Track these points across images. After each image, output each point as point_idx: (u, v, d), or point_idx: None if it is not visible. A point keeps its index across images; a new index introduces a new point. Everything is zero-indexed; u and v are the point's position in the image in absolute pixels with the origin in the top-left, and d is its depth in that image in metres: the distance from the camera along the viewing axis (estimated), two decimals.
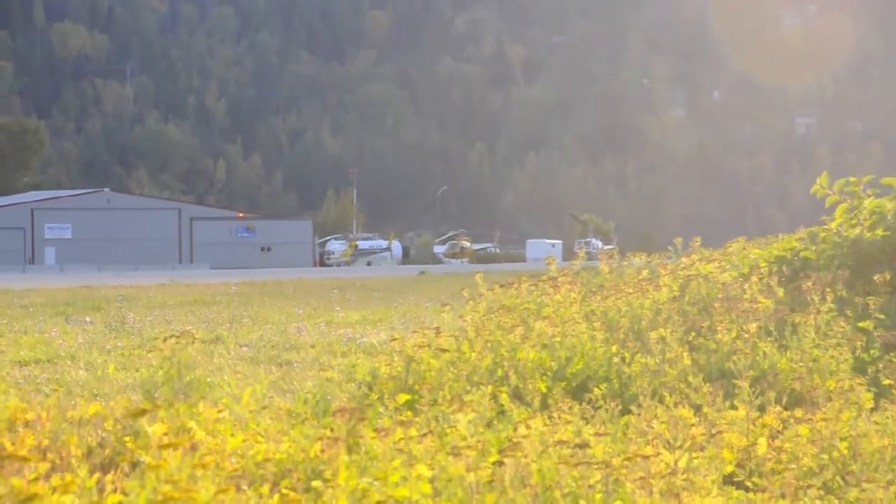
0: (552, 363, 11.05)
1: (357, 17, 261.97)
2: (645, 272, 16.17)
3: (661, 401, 8.77)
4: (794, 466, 7.50)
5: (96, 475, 5.88)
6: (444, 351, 10.81)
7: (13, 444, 8.00)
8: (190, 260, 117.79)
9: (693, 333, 11.78)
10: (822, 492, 6.97)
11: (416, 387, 9.84)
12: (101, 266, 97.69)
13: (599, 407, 8.64)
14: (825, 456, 7.85)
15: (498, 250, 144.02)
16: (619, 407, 8.53)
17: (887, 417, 8.35)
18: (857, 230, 14.14)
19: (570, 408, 8.53)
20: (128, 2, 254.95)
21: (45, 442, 8.25)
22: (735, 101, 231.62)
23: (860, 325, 11.73)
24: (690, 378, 9.77)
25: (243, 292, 41.79)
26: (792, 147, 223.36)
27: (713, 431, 7.68)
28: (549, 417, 7.84)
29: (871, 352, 11.22)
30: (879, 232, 13.86)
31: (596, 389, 9.60)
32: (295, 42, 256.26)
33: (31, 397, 11.46)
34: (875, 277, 12.73)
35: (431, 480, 6.10)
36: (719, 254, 17.71)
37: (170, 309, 31.28)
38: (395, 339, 11.46)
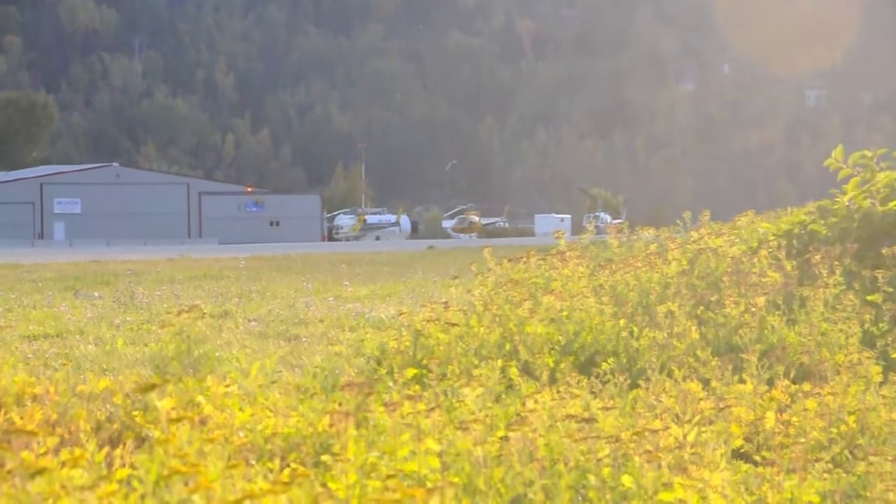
0: (560, 337, 11.06)
1: None
2: (654, 246, 16.15)
3: (669, 375, 8.78)
4: (802, 440, 7.50)
5: (105, 449, 5.90)
6: (452, 325, 10.82)
7: (22, 418, 8.03)
8: (199, 234, 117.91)
9: (701, 307, 11.78)
10: (830, 465, 6.98)
11: (425, 361, 9.84)
12: (110, 241, 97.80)
13: (608, 381, 8.65)
14: (833, 430, 7.86)
15: (506, 225, 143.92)
16: (628, 381, 8.54)
17: None
18: (868, 203, 14.12)
19: (579, 382, 8.54)
20: None
21: (54, 416, 8.27)
22: (744, 74, 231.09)
23: (869, 298, 11.72)
24: (699, 352, 9.78)
25: (252, 267, 41.82)
26: (801, 120, 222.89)
27: (721, 405, 7.69)
28: (558, 392, 7.84)
29: (880, 325, 11.22)
30: (892, 205, 13.84)
31: (604, 363, 9.61)
32: (303, 16, 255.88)
33: (39, 372, 11.49)
34: (884, 251, 12.71)
35: (440, 455, 6.12)
36: (728, 228, 17.70)
37: (178, 284, 31.32)
38: (403, 314, 11.47)
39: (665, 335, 10.68)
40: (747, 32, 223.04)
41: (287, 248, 69.51)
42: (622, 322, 11.26)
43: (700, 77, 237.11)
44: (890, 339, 10.57)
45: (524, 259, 14.92)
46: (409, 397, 7.10)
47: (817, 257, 12.22)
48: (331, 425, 7.01)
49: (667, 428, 6.47)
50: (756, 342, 10.09)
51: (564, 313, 11.36)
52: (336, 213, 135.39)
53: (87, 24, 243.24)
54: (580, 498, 6.10)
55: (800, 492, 6.41)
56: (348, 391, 7.33)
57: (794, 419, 7.95)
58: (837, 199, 14.66)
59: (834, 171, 14.94)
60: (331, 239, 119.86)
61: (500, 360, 9.29)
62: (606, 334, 11.11)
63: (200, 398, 8.07)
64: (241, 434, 7.27)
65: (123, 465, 6.25)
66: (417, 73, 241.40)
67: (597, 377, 8.86)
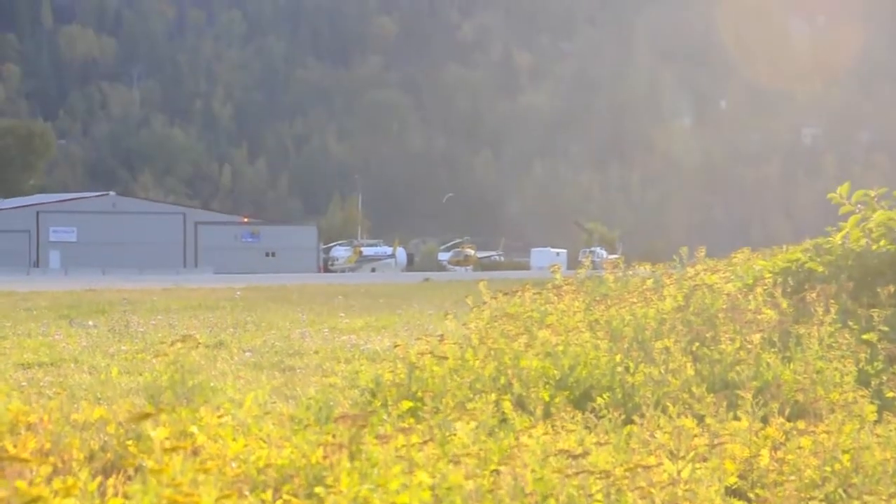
0: (555, 372, 11.04)
1: (364, 23, 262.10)
2: (649, 282, 16.15)
3: (664, 411, 8.76)
4: (796, 478, 7.49)
5: (98, 479, 5.89)
6: (447, 359, 10.80)
7: (15, 446, 8.00)
8: (194, 264, 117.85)
9: (697, 344, 11.76)
10: None
11: (420, 394, 9.83)
12: (106, 270, 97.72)
13: (602, 416, 8.63)
14: (827, 468, 7.84)
15: (502, 258, 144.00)
16: (622, 417, 8.52)
17: (890, 430, 8.34)
18: (864, 241, 14.14)
19: (573, 417, 8.52)
20: (136, 6, 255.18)
21: (48, 445, 8.25)
22: (741, 111, 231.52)
23: (864, 337, 11.71)
24: (694, 388, 9.76)
25: (247, 297, 41.79)
26: (798, 157, 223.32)
27: (716, 442, 7.67)
28: (552, 426, 7.83)
29: (875, 364, 11.20)
30: (885, 244, 13.85)
31: (599, 399, 9.60)
32: (302, 47, 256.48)
33: (33, 400, 11.46)
34: (879, 290, 12.71)
35: (432, 488, 6.10)
36: (724, 264, 17.70)
37: (174, 313, 31.29)
38: (398, 346, 11.45)
39: (660, 371, 10.67)
40: (745, 69, 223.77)
41: (283, 278, 69.49)
42: (617, 357, 11.24)
43: (697, 113, 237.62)
44: (885, 377, 10.56)
45: (520, 293, 14.92)
46: (403, 430, 7.09)
47: (813, 295, 12.22)
48: (324, 457, 7.00)
49: (660, 464, 6.46)
50: (751, 379, 10.08)
51: (560, 348, 11.34)
52: (332, 244, 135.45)
53: (85, 53, 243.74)
54: None
55: None
56: (342, 423, 7.32)
57: (789, 457, 7.94)
58: (832, 237, 14.69)
59: (830, 210, 14.97)
60: (327, 270, 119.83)
61: (494, 394, 9.27)
62: (601, 369, 11.09)
63: (193, 428, 8.05)
64: (235, 465, 7.25)
65: (116, 495, 6.23)
66: (415, 104, 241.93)
67: (591, 412, 8.84)
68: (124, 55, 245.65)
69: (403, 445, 6.47)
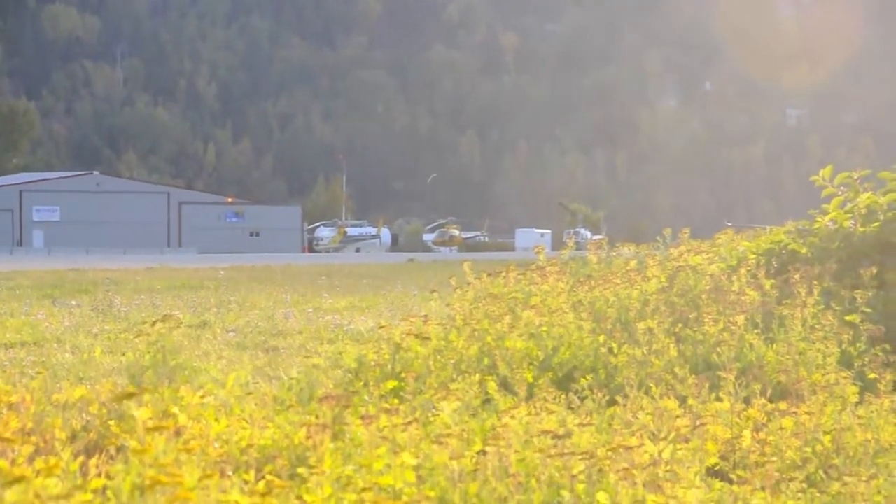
0: (539, 353, 11.05)
1: (349, 3, 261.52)
2: (633, 263, 16.15)
3: (646, 392, 8.78)
4: (777, 459, 7.51)
5: (80, 459, 5.88)
6: (430, 339, 10.80)
7: None
8: (178, 244, 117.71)
9: (680, 325, 11.77)
10: (804, 485, 6.99)
11: (403, 374, 9.83)
12: (90, 249, 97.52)
13: (585, 397, 8.65)
14: (808, 449, 7.87)
15: (487, 239, 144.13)
16: (606, 397, 8.53)
17: (871, 412, 8.38)
18: (850, 224, 14.17)
19: (556, 398, 8.54)
20: None
21: (30, 425, 8.23)
22: (727, 93, 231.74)
23: (847, 318, 11.73)
24: (677, 369, 9.78)
25: (231, 277, 41.74)
26: (783, 139, 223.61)
27: (698, 423, 7.69)
28: (535, 407, 7.84)
29: (858, 346, 11.22)
30: (875, 226, 13.89)
31: (582, 380, 9.61)
32: (286, 27, 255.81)
33: (16, 380, 11.45)
34: (862, 271, 12.73)
35: (416, 468, 6.11)
36: (708, 245, 17.72)
37: (157, 293, 31.25)
38: (382, 327, 11.45)
39: (643, 352, 10.68)
40: (731, 51, 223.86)
41: (267, 258, 69.44)
42: (601, 338, 11.26)
43: (683, 94, 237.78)
44: (867, 359, 10.59)
45: (504, 274, 14.91)
46: (386, 411, 7.10)
47: (796, 277, 12.24)
48: (307, 437, 7.00)
49: (642, 445, 6.47)
50: (734, 360, 10.09)
51: (543, 329, 11.35)
52: (317, 224, 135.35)
53: (69, 31, 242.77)
54: None
55: None
56: (325, 404, 7.32)
57: (770, 438, 7.96)
58: (817, 219, 14.72)
59: (813, 192, 14.99)
60: (311, 250, 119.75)
61: (478, 375, 9.28)
62: (585, 350, 11.10)
63: (174, 409, 8.04)
64: (217, 445, 7.25)
65: (99, 475, 6.22)
66: (400, 85, 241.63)
67: (575, 393, 8.86)
68: (108, 34, 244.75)
69: (387, 426, 6.48)
